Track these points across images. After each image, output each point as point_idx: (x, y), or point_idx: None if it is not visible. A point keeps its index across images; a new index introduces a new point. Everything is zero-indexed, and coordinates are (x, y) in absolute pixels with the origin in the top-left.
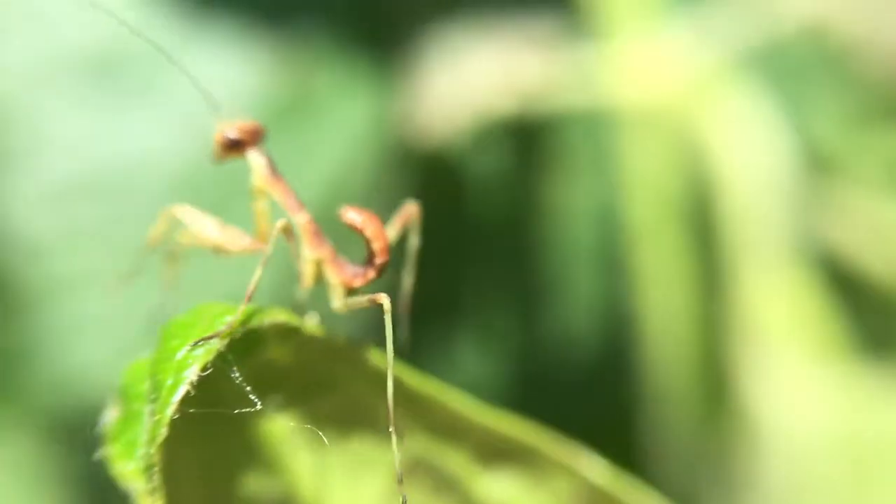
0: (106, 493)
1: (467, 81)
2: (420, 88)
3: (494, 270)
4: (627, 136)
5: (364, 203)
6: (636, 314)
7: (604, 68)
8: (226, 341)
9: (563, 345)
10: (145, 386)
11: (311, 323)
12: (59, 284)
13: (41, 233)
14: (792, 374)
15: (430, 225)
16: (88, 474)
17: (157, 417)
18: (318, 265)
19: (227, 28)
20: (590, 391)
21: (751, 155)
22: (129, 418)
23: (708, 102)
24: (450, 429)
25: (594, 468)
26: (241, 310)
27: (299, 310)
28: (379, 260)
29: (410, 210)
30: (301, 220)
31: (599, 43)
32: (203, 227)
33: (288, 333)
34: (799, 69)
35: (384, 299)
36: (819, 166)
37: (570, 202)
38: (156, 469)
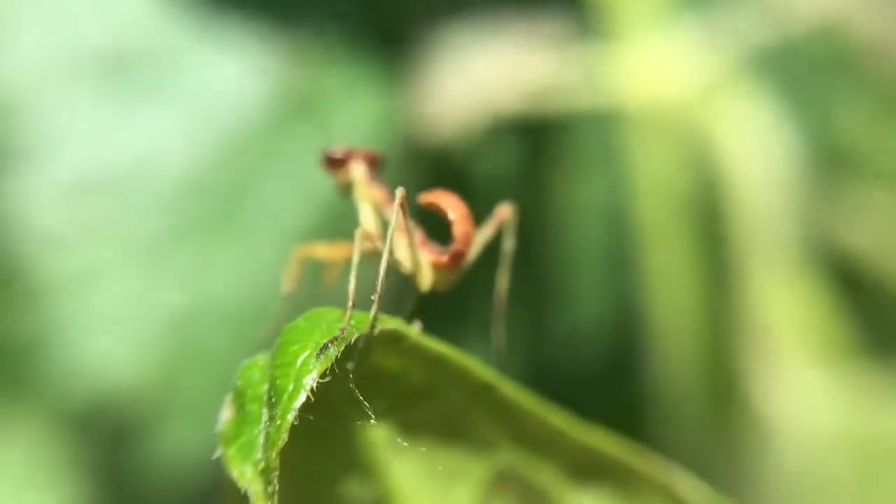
0: (117, 480)
1: (476, 80)
2: (429, 87)
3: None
4: (637, 136)
5: None
6: (645, 313)
7: (614, 68)
8: (341, 348)
9: (573, 343)
10: (263, 388)
11: (415, 330)
12: (72, 277)
13: (55, 226)
14: (799, 374)
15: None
16: (101, 463)
17: (278, 422)
18: (412, 249)
19: (238, 27)
20: (599, 389)
21: (761, 155)
22: (246, 420)
23: (718, 103)
24: (543, 442)
25: (689, 488)
26: (352, 315)
27: (399, 306)
28: (457, 246)
29: (505, 211)
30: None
31: (609, 42)
32: (328, 253)
33: (395, 340)
34: (811, 69)
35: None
36: (831, 166)
37: (580, 202)
38: (275, 474)
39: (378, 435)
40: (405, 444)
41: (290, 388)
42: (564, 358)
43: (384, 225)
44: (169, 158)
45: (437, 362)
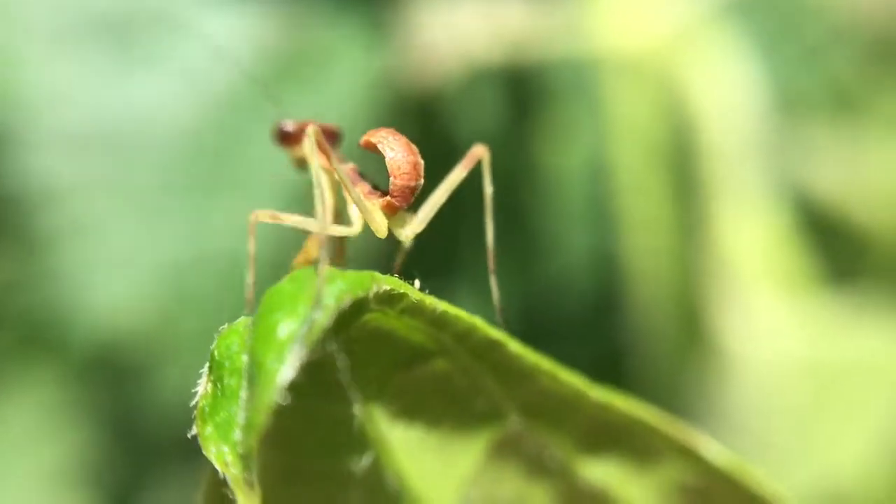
0: (121, 422)
1: (458, 31)
2: (413, 40)
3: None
4: (613, 82)
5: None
6: (623, 256)
7: (591, 17)
8: (330, 316)
9: (559, 290)
10: (243, 360)
11: (415, 289)
12: (73, 228)
13: (56, 180)
14: (763, 306)
15: (426, 175)
16: (106, 404)
17: (258, 403)
18: (360, 201)
19: None
20: (584, 333)
21: (730, 99)
22: (224, 395)
23: (691, 49)
24: (552, 406)
25: (710, 449)
26: (343, 275)
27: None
28: (398, 181)
29: (479, 152)
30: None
31: None
32: (293, 220)
33: (393, 300)
34: (779, 17)
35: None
36: (796, 109)
37: (561, 148)
38: (254, 457)
39: (374, 402)
40: (402, 409)
41: (272, 364)
42: (552, 304)
43: (342, 196)
44: (166, 116)
45: (439, 322)
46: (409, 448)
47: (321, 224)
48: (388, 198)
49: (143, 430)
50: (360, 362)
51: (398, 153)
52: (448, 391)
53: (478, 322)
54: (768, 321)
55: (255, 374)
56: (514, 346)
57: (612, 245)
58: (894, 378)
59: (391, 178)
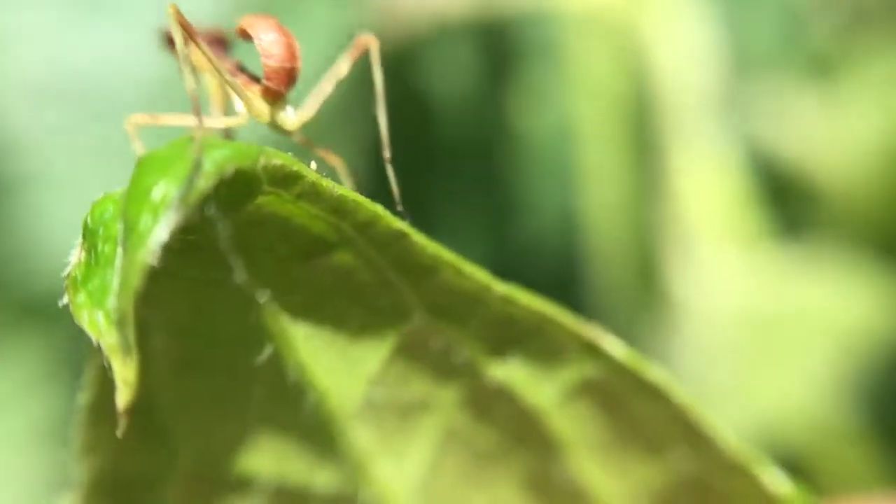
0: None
1: None
2: None
3: (461, 176)
4: (576, 39)
5: (332, 113)
6: (586, 212)
7: None
8: (212, 182)
9: (531, 247)
10: (118, 227)
11: (312, 170)
12: (33, 177)
13: (15, 130)
14: (715, 258)
15: (397, 131)
16: (64, 351)
17: (129, 261)
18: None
19: None
20: (556, 288)
21: (689, 56)
22: (98, 262)
23: (653, 6)
24: (458, 303)
25: (613, 344)
26: (229, 144)
27: None
28: (270, 63)
29: (366, 41)
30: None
31: None
32: (171, 120)
33: (286, 180)
34: None
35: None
36: (750, 66)
37: (531, 106)
38: (130, 322)
39: (271, 293)
40: (304, 305)
41: (146, 224)
42: (523, 260)
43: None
44: (127, 66)
45: (339, 209)
46: (311, 344)
47: (197, 117)
48: (264, 82)
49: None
50: (256, 251)
51: (269, 35)
52: (351, 285)
53: (380, 211)
54: (719, 272)
55: (128, 236)
56: (418, 237)
57: (578, 202)
58: (830, 326)
59: (263, 61)
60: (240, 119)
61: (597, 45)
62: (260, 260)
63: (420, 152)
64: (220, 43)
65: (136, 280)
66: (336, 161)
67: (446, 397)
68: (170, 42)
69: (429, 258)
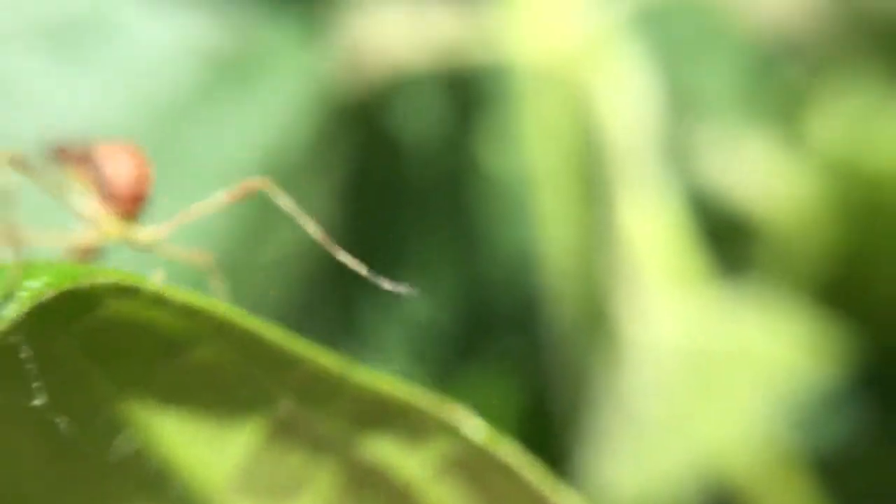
0: None
1: (386, 37)
2: (344, 43)
3: (430, 216)
4: (529, 89)
5: (302, 159)
6: (541, 251)
7: (507, 26)
8: (22, 310)
9: (494, 284)
10: None
11: (153, 281)
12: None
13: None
14: (658, 298)
15: (368, 174)
16: None
17: None
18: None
19: None
20: (517, 325)
21: (633, 104)
22: None
23: (600, 57)
24: (322, 389)
25: (474, 426)
26: (45, 267)
27: None
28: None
29: (256, 185)
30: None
31: (505, 1)
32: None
33: (128, 292)
34: (682, 29)
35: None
36: (694, 113)
37: (492, 151)
38: None
39: (132, 392)
40: (167, 400)
41: None
42: (486, 297)
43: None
44: (105, 117)
45: (190, 312)
46: (176, 437)
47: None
48: (111, 206)
49: None
50: (113, 353)
51: (113, 162)
52: (214, 380)
53: (234, 312)
54: (663, 312)
55: None
56: (275, 335)
57: (536, 241)
58: (767, 366)
59: (111, 184)
60: (92, 237)
61: (550, 96)
62: (116, 363)
63: (389, 193)
64: (86, 159)
65: None
66: (206, 259)
67: (321, 477)
68: (63, 159)
69: (288, 352)
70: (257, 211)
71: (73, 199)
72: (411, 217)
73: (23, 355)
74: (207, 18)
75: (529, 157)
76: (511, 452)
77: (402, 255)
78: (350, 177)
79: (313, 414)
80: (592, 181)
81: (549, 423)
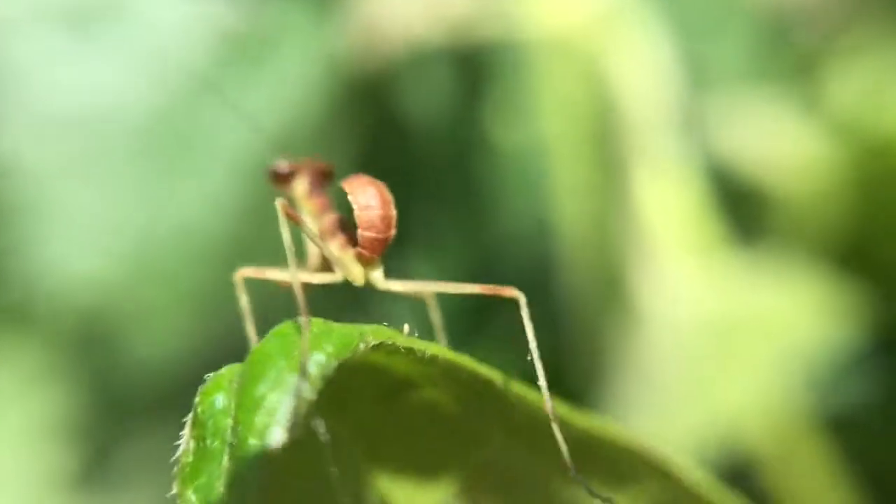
0: (94, 385)
1: (400, 13)
2: (358, 21)
3: (443, 189)
4: (544, 62)
5: (315, 136)
6: (558, 223)
7: (521, 0)
8: (316, 388)
9: (507, 255)
10: (227, 423)
11: (403, 335)
12: (36, 205)
13: (19, 160)
14: (675, 266)
15: (381, 148)
16: (78, 369)
17: (239, 476)
18: (337, 252)
19: None
20: (526, 292)
21: (650, 74)
22: (206, 456)
23: (615, 28)
24: (534, 433)
25: (689, 470)
26: (331, 332)
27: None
28: (365, 233)
29: (510, 294)
30: (328, 219)
31: None
32: (274, 275)
33: (379, 349)
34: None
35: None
36: (707, 83)
37: (505, 125)
38: None
39: (355, 433)
40: (386, 438)
41: (254, 442)
42: (499, 268)
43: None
44: (123, 98)
45: (425, 359)
46: (390, 472)
47: (295, 278)
48: (359, 249)
49: (116, 389)
50: (344, 398)
51: (367, 206)
52: (433, 418)
53: (462, 358)
54: (679, 279)
55: (239, 446)
56: (495, 377)
57: (550, 212)
58: (783, 331)
59: (359, 230)
60: (336, 277)
61: (563, 67)
62: (348, 405)
63: (402, 167)
64: (323, 176)
65: (246, 494)
66: (427, 297)
67: None
68: (275, 179)
69: (506, 395)
70: (265, 190)
71: (314, 235)
72: (424, 191)
73: (322, 437)
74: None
75: (544, 129)
76: (723, 496)
77: (415, 228)
78: (363, 151)
79: (522, 453)
80: (607, 152)
81: (565, 393)
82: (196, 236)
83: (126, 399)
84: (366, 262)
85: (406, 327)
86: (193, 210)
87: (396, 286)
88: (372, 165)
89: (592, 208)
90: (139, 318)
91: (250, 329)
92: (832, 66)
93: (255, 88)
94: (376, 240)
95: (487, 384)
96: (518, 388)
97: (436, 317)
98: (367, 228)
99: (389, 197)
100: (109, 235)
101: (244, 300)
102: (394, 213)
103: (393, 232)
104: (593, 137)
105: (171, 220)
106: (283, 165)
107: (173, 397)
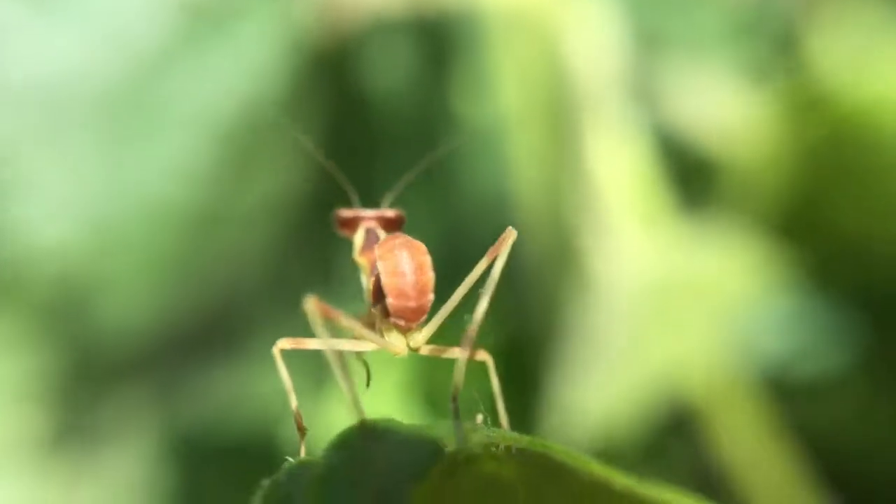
0: (66, 348)
1: None
2: None
3: (404, 160)
4: (501, 32)
5: (278, 109)
6: (514, 190)
7: None
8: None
9: (471, 224)
10: None
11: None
12: (3, 173)
13: None
14: (624, 232)
15: (345, 119)
16: (50, 333)
17: None
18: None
19: None
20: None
21: (602, 47)
22: None
23: (569, 2)
24: None
25: None
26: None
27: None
28: (393, 301)
29: (508, 236)
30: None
31: None
32: (316, 344)
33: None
34: None
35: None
36: (657, 54)
37: (468, 96)
38: None
39: None
40: None
41: None
42: (465, 236)
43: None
44: (90, 69)
45: (534, 461)
46: None
47: (337, 357)
48: (393, 320)
49: (86, 354)
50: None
51: (395, 272)
52: None
53: (569, 456)
54: (628, 246)
55: None
56: (604, 473)
57: (511, 183)
58: (721, 294)
59: (387, 299)
60: (375, 346)
61: (520, 38)
62: None
63: (366, 138)
64: (391, 225)
65: None
66: (484, 356)
67: None
68: (342, 225)
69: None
70: (238, 159)
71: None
72: (386, 161)
73: None
74: None
75: (502, 100)
76: None
77: (378, 196)
78: (326, 123)
79: None
80: (562, 122)
81: (522, 354)
82: (161, 203)
83: (96, 364)
84: (403, 331)
85: (479, 417)
86: (158, 177)
87: (435, 351)
88: (335, 138)
89: (547, 178)
90: (107, 285)
91: (293, 401)
92: (800, 36)
93: (218, 58)
94: (407, 308)
95: (601, 486)
96: (627, 483)
97: (495, 382)
98: (397, 297)
99: (424, 259)
100: (75, 204)
101: (284, 373)
102: (430, 276)
103: (430, 297)
104: (549, 108)
105: (137, 188)
106: (345, 212)
107: (142, 361)
